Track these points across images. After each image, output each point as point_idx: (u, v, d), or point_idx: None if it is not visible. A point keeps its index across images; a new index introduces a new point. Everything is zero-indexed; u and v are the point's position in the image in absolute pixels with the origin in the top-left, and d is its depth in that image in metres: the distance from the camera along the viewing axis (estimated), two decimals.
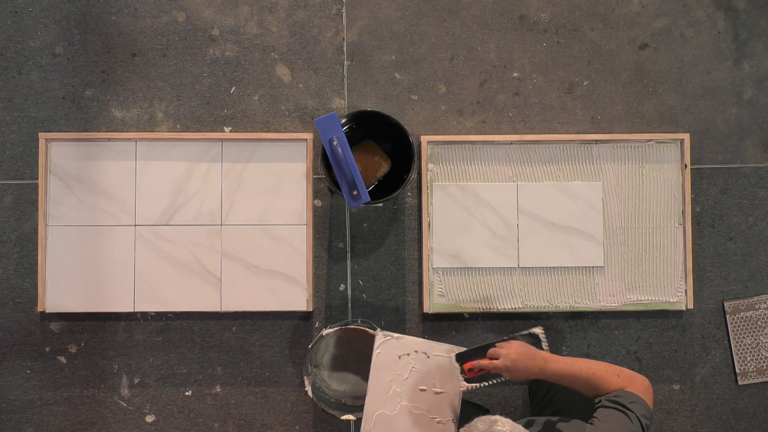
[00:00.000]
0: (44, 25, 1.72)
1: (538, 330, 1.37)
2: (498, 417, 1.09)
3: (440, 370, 1.46)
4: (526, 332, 1.38)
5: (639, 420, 1.13)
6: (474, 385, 1.36)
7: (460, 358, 1.38)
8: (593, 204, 1.68)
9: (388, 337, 1.47)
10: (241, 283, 1.66)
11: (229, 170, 1.67)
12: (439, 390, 1.45)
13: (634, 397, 1.16)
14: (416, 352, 1.47)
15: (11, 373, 1.69)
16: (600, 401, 1.19)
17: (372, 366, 1.45)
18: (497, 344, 1.34)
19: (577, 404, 1.36)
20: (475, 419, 1.10)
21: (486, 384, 1.36)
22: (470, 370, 1.35)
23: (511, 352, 1.27)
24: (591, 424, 1.15)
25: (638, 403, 1.15)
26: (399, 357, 1.46)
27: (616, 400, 1.17)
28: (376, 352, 1.46)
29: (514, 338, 1.38)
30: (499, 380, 1.36)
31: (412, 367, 1.46)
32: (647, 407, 1.16)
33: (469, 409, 1.52)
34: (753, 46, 1.76)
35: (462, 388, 1.38)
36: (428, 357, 1.46)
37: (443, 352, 1.47)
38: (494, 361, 1.30)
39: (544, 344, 1.36)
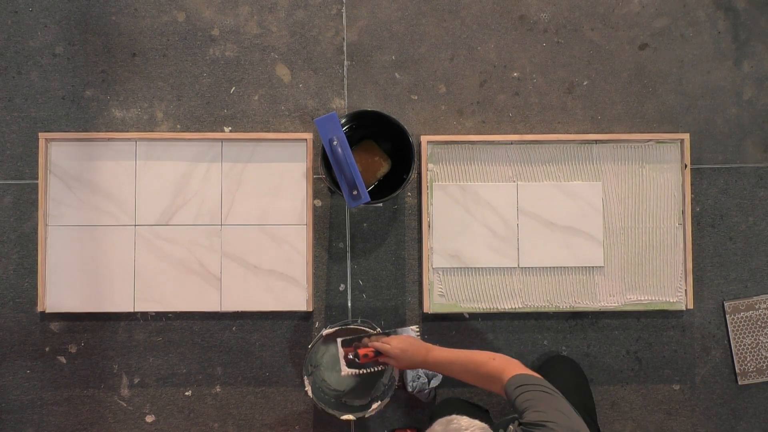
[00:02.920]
0: (44, 25, 1.72)
1: (414, 328, 1.53)
2: (455, 416, 1.10)
3: None
4: (401, 330, 1.52)
5: (552, 394, 1.14)
6: (353, 371, 1.48)
7: (345, 345, 1.49)
8: (593, 204, 1.68)
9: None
10: (241, 283, 1.66)
11: (229, 170, 1.67)
12: None
13: (533, 379, 1.17)
14: None
15: (11, 373, 1.69)
16: (511, 395, 1.18)
17: None
18: (385, 338, 1.44)
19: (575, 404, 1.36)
20: (435, 422, 1.12)
21: (365, 371, 1.49)
22: (365, 356, 1.46)
23: (401, 343, 1.40)
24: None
25: (539, 381, 1.16)
26: None
27: (522, 382, 1.16)
28: None
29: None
30: (377, 369, 1.49)
31: None
32: (532, 377, 1.18)
33: (468, 409, 1.52)
34: (753, 46, 1.76)
35: (343, 373, 1.48)
36: None
37: None
38: (385, 345, 1.42)
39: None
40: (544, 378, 1.19)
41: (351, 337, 1.50)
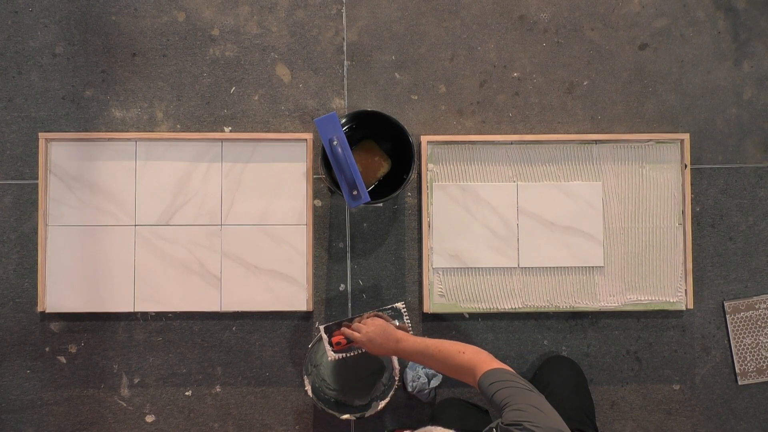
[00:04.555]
0: (44, 25, 1.72)
1: (399, 305, 1.53)
2: (431, 428, 1.10)
3: None
4: (389, 307, 1.54)
5: (527, 390, 1.11)
6: (340, 355, 1.49)
7: (328, 330, 1.52)
8: (593, 204, 1.68)
9: None
10: (241, 283, 1.66)
11: (229, 170, 1.67)
12: None
13: (505, 374, 1.15)
14: None
15: (11, 373, 1.69)
16: (487, 391, 1.16)
17: None
18: (360, 320, 1.46)
19: (575, 404, 1.36)
20: None
21: (350, 354, 1.49)
22: (338, 343, 1.49)
23: (370, 330, 1.41)
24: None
25: (511, 376, 1.14)
26: None
27: (498, 379, 1.14)
28: None
29: (379, 315, 1.51)
30: (359, 351, 1.49)
31: None
32: (506, 373, 1.16)
33: (468, 409, 1.52)
34: (753, 46, 1.76)
35: (330, 358, 1.49)
36: None
37: None
38: (354, 333, 1.43)
39: (406, 317, 1.51)
40: (519, 376, 1.16)
41: (332, 323, 1.53)
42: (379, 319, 1.46)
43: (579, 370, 1.59)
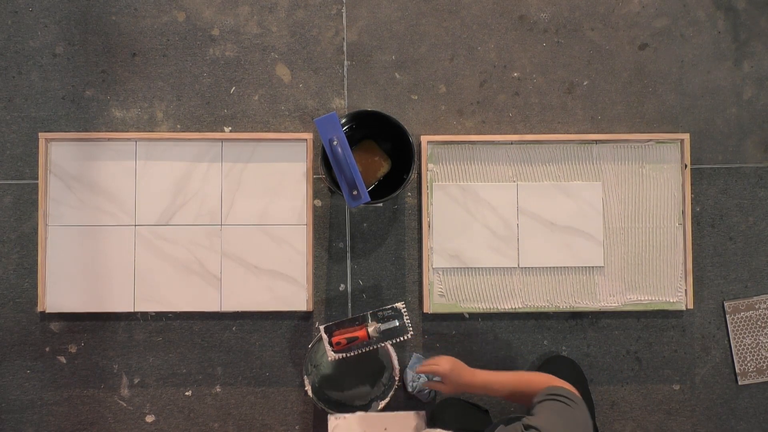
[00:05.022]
0: (44, 25, 1.72)
1: (399, 305, 1.53)
2: (429, 430, 1.11)
3: None
4: (389, 307, 1.53)
5: (580, 404, 1.11)
6: (340, 355, 1.50)
7: (328, 330, 1.52)
8: (593, 204, 1.68)
9: (340, 419, 1.44)
10: (241, 283, 1.66)
11: (229, 170, 1.67)
12: None
13: (563, 390, 1.15)
14: (372, 426, 1.44)
15: (11, 373, 1.69)
16: (534, 401, 1.17)
17: None
18: (431, 360, 1.38)
19: None
20: None
21: (350, 354, 1.50)
22: (338, 343, 1.49)
23: (448, 362, 1.35)
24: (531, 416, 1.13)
25: (569, 394, 1.14)
26: None
27: (549, 392, 1.15)
28: None
29: (378, 317, 1.52)
30: (363, 350, 1.51)
31: None
32: (563, 390, 1.15)
33: (468, 409, 1.52)
34: (753, 46, 1.76)
35: (330, 358, 1.50)
36: (385, 428, 1.45)
37: (399, 421, 1.44)
38: (436, 367, 1.36)
39: (406, 317, 1.51)
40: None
41: (332, 323, 1.53)
42: (446, 357, 1.41)
43: (579, 371, 1.59)
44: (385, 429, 1.44)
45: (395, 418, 1.43)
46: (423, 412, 1.46)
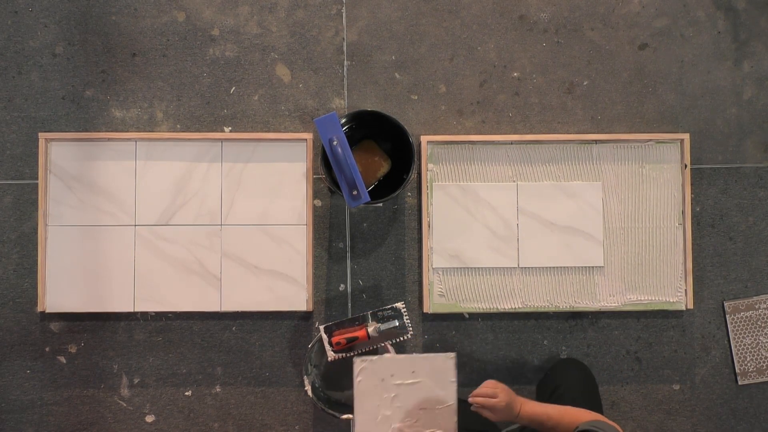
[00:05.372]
0: (44, 25, 1.72)
1: (399, 305, 1.54)
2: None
3: (428, 383, 1.38)
4: (389, 307, 1.54)
5: None
6: (340, 355, 1.52)
7: (328, 331, 1.53)
8: (593, 204, 1.68)
9: (366, 361, 1.38)
10: (241, 283, 1.66)
11: (229, 170, 1.67)
12: (431, 404, 1.39)
13: (606, 426, 1.16)
14: (399, 369, 1.40)
15: (11, 373, 1.69)
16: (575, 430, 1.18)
17: (354, 395, 1.37)
18: (485, 390, 1.34)
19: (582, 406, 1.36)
20: None
21: (350, 354, 1.51)
22: (338, 343, 1.51)
23: (505, 395, 1.32)
24: None
25: (610, 429, 1.16)
26: (382, 380, 1.38)
27: (592, 424, 1.16)
28: (356, 379, 1.37)
29: (378, 317, 1.52)
30: (362, 350, 1.52)
31: (398, 384, 1.38)
32: (604, 425, 1.16)
33: (468, 408, 1.52)
34: (753, 46, 1.76)
35: (330, 358, 1.51)
36: (413, 371, 1.39)
37: (427, 363, 1.40)
38: (491, 401, 1.31)
39: (406, 317, 1.52)
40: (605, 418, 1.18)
41: (332, 323, 1.53)
42: (492, 381, 1.38)
43: (589, 374, 1.58)
44: (413, 372, 1.38)
45: (423, 361, 1.38)
46: (453, 354, 1.38)
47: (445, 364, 1.38)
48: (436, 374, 1.38)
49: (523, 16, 1.75)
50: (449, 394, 1.38)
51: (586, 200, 1.68)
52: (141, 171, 1.67)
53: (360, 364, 1.38)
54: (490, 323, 1.71)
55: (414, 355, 1.42)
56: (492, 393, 1.32)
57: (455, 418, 1.37)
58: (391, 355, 1.43)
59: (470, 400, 1.35)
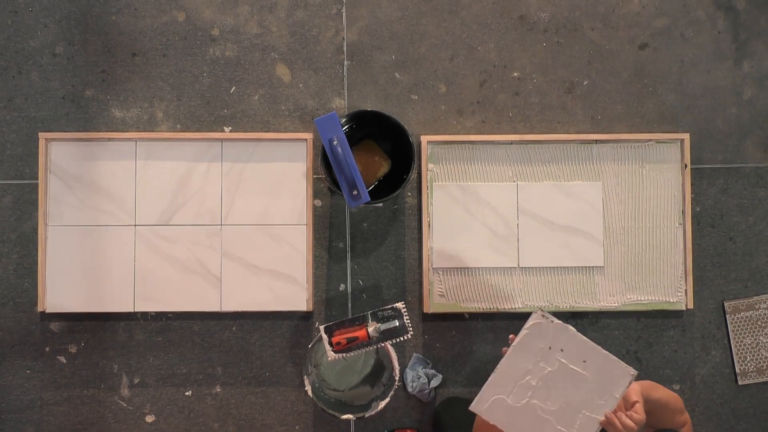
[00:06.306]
0: (44, 25, 1.72)
1: (399, 305, 1.52)
2: None
3: (590, 381, 1.20)
4: (389, 307, 1.52)
5: None
6: (340, 355, 1.50)
7: (328, 330, 1.51)
8: (593, 204, 1.68)
9: (546, 318, 1.21)
10: (241, 283, 1.66)
11: (229, 170, 1.67)
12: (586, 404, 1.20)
13: None
14: (574, 348, 1.22)
15: (11, 373, 1.69)
16: None
17: (513, 344, 1.21)
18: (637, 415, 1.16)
19: None
20: None
21: (350, 354, 1.50)
22: (338, 343, 1.49)
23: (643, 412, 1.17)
24: None
25: None
26: (549, 347, 1.21)
27: None
28: (524, 330, 1.20)
29: (378, 317, 1.51)
30: (364, 350, 1.50)
31: (561, 362, 1.21)
32: None
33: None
34: (753, 46, 1.76)
35: (330, 358, 1.49)
36: (584, 361, 1.22)
37: (603, 362, 1.21)
38: (635, 416, 1.15)
39: (406, 317, 1.51)
40: None
41: (332, 323, 1.53)
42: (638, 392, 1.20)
43: None
44: (584, 361, 1.22)
45: (602, 358, 1.21)
46: (634, 372, 1.21)
47: (620, 375, 1.21)
48: (604, 379, 1.21)
49: (523, 16, 1.75)
50: (602, 407, 1.19)
51: (586, 200, 1.68)
52: (141, 171, 1.67)
53: (538, 318, 1.22)
54: (490, 323, 1.71)
55: (597, 346, 1.24)
56: (641, 420, 1.14)
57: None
58: (574, 330, 1.24)
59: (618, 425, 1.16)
